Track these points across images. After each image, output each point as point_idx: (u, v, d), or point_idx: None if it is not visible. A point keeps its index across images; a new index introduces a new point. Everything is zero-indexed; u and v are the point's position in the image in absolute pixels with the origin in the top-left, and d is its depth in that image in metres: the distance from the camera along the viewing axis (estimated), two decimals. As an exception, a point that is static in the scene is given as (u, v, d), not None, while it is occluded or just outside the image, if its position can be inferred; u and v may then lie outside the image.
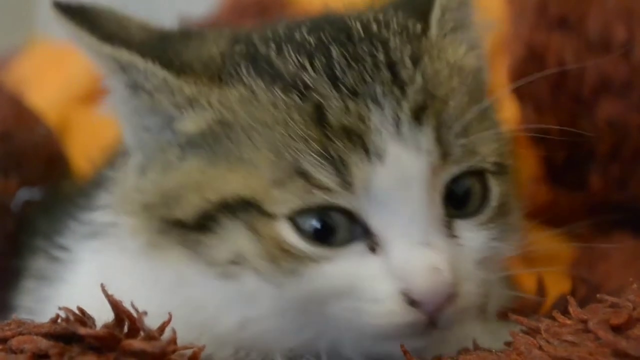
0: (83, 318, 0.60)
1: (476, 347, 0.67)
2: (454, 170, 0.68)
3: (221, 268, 0.69)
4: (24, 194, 0.90)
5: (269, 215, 0.68)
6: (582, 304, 0.66)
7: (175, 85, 0.70)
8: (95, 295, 0.63)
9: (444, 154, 0.67)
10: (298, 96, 0.67)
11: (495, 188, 0.70)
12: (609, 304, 0.61)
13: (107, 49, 0.71)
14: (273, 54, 0.71)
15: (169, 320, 0.60)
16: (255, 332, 0.71)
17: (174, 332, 0.60)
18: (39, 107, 1.11)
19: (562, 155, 1.06)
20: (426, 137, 0.66)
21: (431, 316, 0.65)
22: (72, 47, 0.75)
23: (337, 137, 0.66)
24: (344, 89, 0.67)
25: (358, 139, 0.66)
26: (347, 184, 0.66)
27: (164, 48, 0.73)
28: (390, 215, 0.66)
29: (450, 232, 0.68)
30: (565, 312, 0.64)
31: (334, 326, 0.68)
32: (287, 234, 0.67)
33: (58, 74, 1.50)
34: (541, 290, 0.84)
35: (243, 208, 0.68)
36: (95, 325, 0.59)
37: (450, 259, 0.66)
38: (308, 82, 0.68)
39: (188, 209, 0.70)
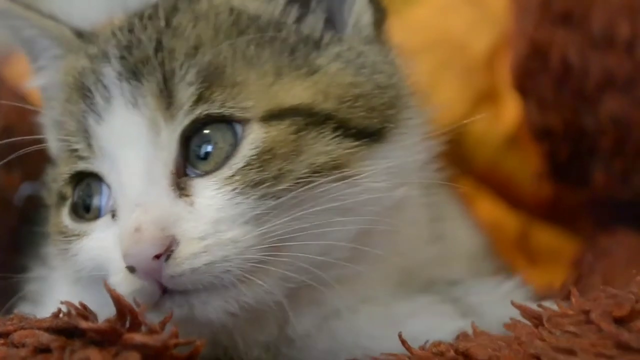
0: (85, 312, 0.59)
1: (477, 334, 0.65)
2: (184, 121, 0.64)
3: None
4: (27, 189, 0.90)
5: (64, 199, 0.71)
6: (583, 294, 0.64)
7: None
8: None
9: (169, 106, 0.63)
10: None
11: (255, 136, 0.63)
12: (612, 296, 0.60)
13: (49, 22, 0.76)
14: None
15: (171, 315, 0.60)
16: None
17: (175, 326, 0.59)
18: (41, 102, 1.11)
19: (565, 151, 1.06)
20: (144, 91, 0.64)
21: (156, 280, 0.61)
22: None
23: (81, 100, 0.68)
24: (91, 52, 0.70)
25: (92, 100, 0.67)
26: (90, 146, 0.67)
27: None
28: (117, 176, 0.65)
29: (181, 191, 0.63)
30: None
31: None
32: (62, 214, 0.70)
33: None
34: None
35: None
36: (97, 320, 0.59)
37: (160, 219, 0.61)
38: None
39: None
